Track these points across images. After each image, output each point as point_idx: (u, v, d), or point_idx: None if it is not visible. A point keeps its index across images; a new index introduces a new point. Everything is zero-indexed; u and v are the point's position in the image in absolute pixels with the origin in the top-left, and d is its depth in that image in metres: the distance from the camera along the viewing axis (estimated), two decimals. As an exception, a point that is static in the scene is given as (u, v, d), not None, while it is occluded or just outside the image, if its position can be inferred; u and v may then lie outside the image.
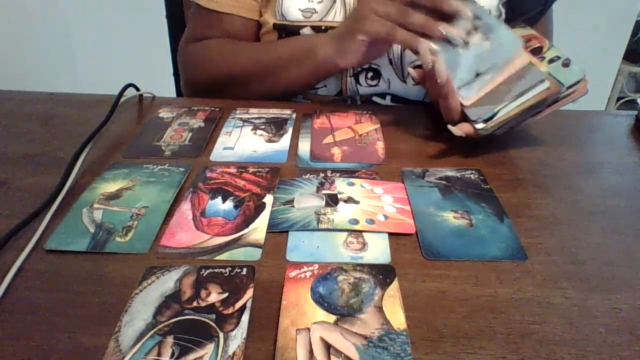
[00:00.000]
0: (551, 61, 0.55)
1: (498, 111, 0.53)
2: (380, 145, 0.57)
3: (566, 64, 0.54)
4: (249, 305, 0.35)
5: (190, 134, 0.59)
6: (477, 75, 0.56)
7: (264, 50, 0.69)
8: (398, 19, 0.57)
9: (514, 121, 0.54)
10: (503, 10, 0.70)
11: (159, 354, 0.31)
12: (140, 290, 0.36)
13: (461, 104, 0.55)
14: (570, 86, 0.54)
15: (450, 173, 0.52)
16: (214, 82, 0.71)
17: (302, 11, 0.67)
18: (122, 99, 0.63)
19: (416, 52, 0.56)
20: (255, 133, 0.60)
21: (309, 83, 0.70)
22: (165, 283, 0.37)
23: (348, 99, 0.72)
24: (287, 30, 0.69)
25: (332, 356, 0.31)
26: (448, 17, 0.56)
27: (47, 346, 0.32)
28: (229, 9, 0.71)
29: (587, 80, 0.54)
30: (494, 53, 0.56)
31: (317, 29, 0.68)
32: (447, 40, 0.55)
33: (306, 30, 0.68)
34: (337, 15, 0.68)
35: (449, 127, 0.55)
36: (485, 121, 0.53)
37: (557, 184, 0.52)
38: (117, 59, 1.89)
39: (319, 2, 0.67)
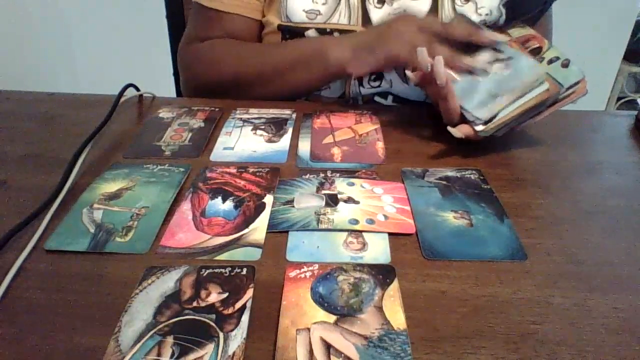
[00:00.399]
0: (550, 62, 0.55)
1: (498, 113, 0.53)
2: (380, 145, 0.57)
3: (565, 65, 0.54)
4: (249, 305, 0.35)
5: (190, 134, 0.59)
6: (493, 97, 0.55)
7: (272, 52, 0.69)
8: (430, 44, 0.57)
9: (513, 123, 0.54)
10: (503, 11, 0.70)
11: (159, 354, 0.31)
12: (140, 290, 0.36)
13: (460, 106, 0.55)
14: (570, 87, 0.54)
15: (450, 173, 0.52)
16: (217, 83, 0.71)
17: (306, 12, 0.67)
18: (122, 99, 0.63)
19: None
20: (255, 133, 0.60)
21: (316, 86, 0.70)
22: (165, 283, 0.37)
23: (350, 100, 0.72)
24: (292, 32, 0.69)
25: (332, 356, 0.31)
26: (470, 47, 0.57)
27: (47, 346, 0.32)
28: (232, 9, 0.71)
29: (586, 80, 0.54)
30: (512, 79, 0.56)
31: (322, 31, 0.68)
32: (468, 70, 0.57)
33: (311, 33, 0.68)
34: (341, 17, 0.67)
35: (449, 128, 0.55)
36: (485, 123, 0.53)
37: (557, 184, 0.52)
38: (117, 59, 1.89)
39: (323, 4, 0.67)
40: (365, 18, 0.68)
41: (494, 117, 0.53)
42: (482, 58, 0.57)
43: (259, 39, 0.74)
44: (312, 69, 0.65)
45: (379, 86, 0.71)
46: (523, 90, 0.54)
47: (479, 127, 0.53)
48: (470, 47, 0.58)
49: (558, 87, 0.53)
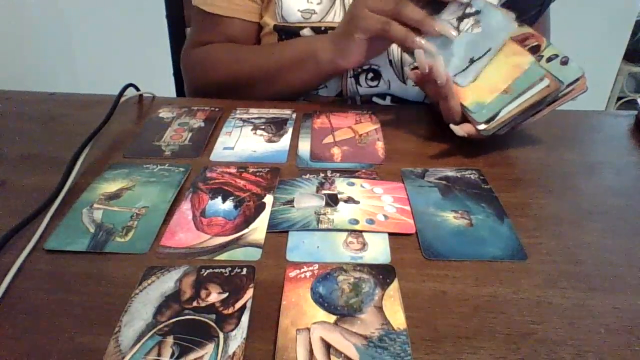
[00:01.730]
0: (549, 59, 0.55)
1: (500, 111, 0.53)
2: (380, 145, 0.57)
3: (564, 62, 0.54)
4: (249, 305, 0.35)
5: (190, 134, 0.59)
6: (472, 61, 0.56)
7: (266, 54, 0.69)
8: (392, 14, 0.56)
9: (515, 121, 0.54)
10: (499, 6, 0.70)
11: (159, 354, 0.31)
12: (140, 290, 0.36)
13: (462, 105, 0.55)
14: (570, 84, 0.54)
15: (450, 173, 0.52)
16: (218, 87, 0.72)
17: (301, 12, 0.67)
18: (122, 99, 0.63)
19: (411, 53, 0.56)
20: (255, 133, 0.60)
21: (313, 85, 0.70)
22: (165, 283, 0.37)
23: (348, 99, 0.72)
24: (287, 32, 0.69)
25: (332, 356, 0.31)
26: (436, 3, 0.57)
27: (47, 346, 0.32)
28: (231, 13, 0.71)
29: (586, 77, 0.54)
30: (486, 38, 0.56)
31: (316, 30, 0.68)
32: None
33: (306, 31, 0.68)
34: (336, 16, 0.68)
35: (451, 126, 0.55)
36: (487, 122, 0.53)
37: (557, 184, 0.52)
38: (117, 59, 1.89)
39: (318, 4, 0.67)
40: None
41: (496, 115, 0.53)
42: (449, 13, 0.57)
43: (258, 41, 0.75)
44: (306, 68, 0.66)
45: (376, 86, 0.71)
46: (496, 49, 0.56)
47: (482, 126, 0.53)
48: (438, 5, 0.58)
49: (558, 84, 0.53)
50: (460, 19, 0.57)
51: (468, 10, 0.57)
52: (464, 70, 0.56)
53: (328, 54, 0.63)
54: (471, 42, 0.56)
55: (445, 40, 0.56)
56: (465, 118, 0.55)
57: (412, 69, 0.59)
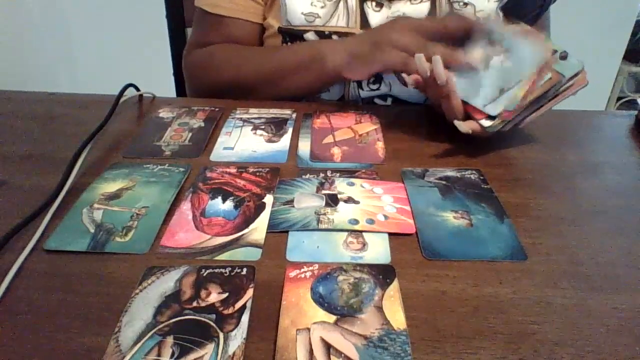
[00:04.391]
0: None
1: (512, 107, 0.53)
2: (380, 145, 0.57)
3: (564, 57, 0.54)
4: (249, 305, 0.35)
5: (190, 134, 0.59)
6: (502, 91, 0.55)
7: (270, 57, 0.69)
8: (417, 52, 0.56)
9: (519, 118, 0.54)
10: (501, 14, 0.70)
11: (159, 354, 0.31)
12: (140, 290, 0.36)
13: (467, 105, 0.55)
14: (570, 78, 0.54)
15: (450, 173, 0.52)
16: (219, 89, 0.71)
17: (304, 15, 0.67)
18: (122, 99, 0.63)
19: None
20: (255, 133, 0.60)
21: (316, 89, 0.70)
22: (165, 283, 0.37)
23: (350, 102, 0.72)
24: (292, 35, 0.69)
25: (332, 356, 0.31)
26: (464, 42, 0.57)
27: (47, 346, 0.32)
28: (234, 13, 0.71)
29: (586, 71, 0.54)
30: (515, 70, 0.55)
31: (320, 34, 0.68)
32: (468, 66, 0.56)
33: (310, 35, 0.68)
34: (339, 20, 0.68)
35: (456, 122, 0.54)
36: (492, 118, 0.53)
37: (557, 184, 0.52)
38: (117, 59, 1.89)
39: (322, 7, 0.67)
40: (364, 21, 0.68)
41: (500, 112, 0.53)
42: (479, 52, 0.57)
43: (260, 42, 0.75)
44: (310, 73, 0.66)
45: (378, 89, 0.71)
46: (526, 78, 0.54)
47: (487, 123, 0.53)
48: (466, 43, 0.58)
49: (560, 76, 0.53)
50: (489, 57, 0.57)
51: (498, 49, 0.57)
52: (494, 100, 0.54)
53: (336, 63, 0.63)
54: (501, 74, 0.56)
55: (474, 76, 0.56)
56: (468, 117, 0.55)
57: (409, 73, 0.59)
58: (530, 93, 0.53)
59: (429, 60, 0.54)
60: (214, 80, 0.72)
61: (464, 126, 0.54)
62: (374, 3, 0.68)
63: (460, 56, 0.56)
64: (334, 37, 0.67)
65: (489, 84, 0.55)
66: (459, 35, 0.58)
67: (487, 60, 0.56)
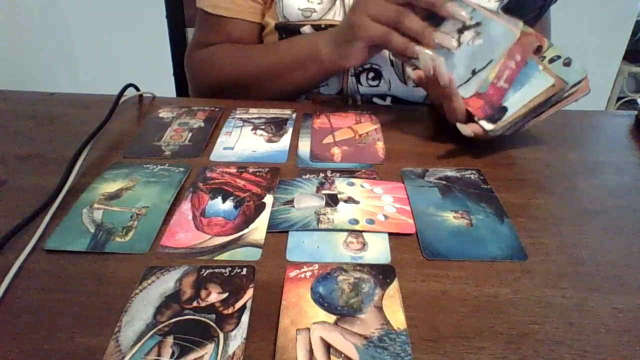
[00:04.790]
0: (551, 60, 0.55)
1: (506, 111, 0.53)
2: (380, 145, 0.57)
3: (567, 63, 0.54)
4: (249, 305, 0.35)
5: (190, 134, 0.59)
6: (474, 72, 0.55)
7: (268, 54, 0.69)
8: (393, 24, 0.56)
9: (521, 122, 0.54)
10: (502, 14, 0.70)
11: (159, 354, 0.31)
12: (140, 290, 0.36)
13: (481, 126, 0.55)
14: (573, 85, 0.54)
15: (450, 173, 0.52)
16: (221, 87, 0.72)
17: (301, 10, 0.68)
18: (122, 99, 0.63)
19: (408, 63, 0.56)
20: (255, 133, 0.60)
21: (315, 83, 0.70)
22: (165, 283, 0.37)
23: (349, 98, 0.72)
24: (288, 30, 0.69)
25: (332, 356, 0.31)
26: (437, 14, 0.56)
27: (47, 346, 0.32)
28: (234, 14, 0.72)
29: (589, 79, 0.54)
30: (488, 49, 0.55)
31: (317, 27, 0.68)
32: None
33: (306, 29, 0.68)
34: (336, 15, 0.68)
35: (459, 125, 0.54)
36: (494, 122, 0.53)
37: (557, 184, 0.52)
38: (117, 59, 1.89)
39: (319, 3, 0.67)
40: None
41: (502, 115, 0.53)
42: (450, 25, 0.56)
43: (261, 41, 0.75)
44: (307, 67, 0.66)
45: (377, 86, 0.71)
46: (498, 59, 0.54)
47: (489, 127, 0.53)
48: (435, 15, 0.57)
49: (563, 83, 0.53)
50: (461, 32, 0.56)
51: (468, 23, 0.56)
52: (466, 82, 0.55)
53: (329, 54, 0.63)
54: (473, 53, 0.56)
55: (446, 53, 0.56)
56: (469, 119, 0.55)
57: (414, 68, 0.59)
58: (503, 88, 0.53)
59: (403, 30, 0.55)
60: (216, 79, 0.72)
61: (467, 129, 0.54)
62: None
63: (432, 34, 0.55)
64: (329, 29, 0.67)
65: (460, 64, 0.56)
66: (428, 8, 0.57)
67: (456, 37, 0.56)
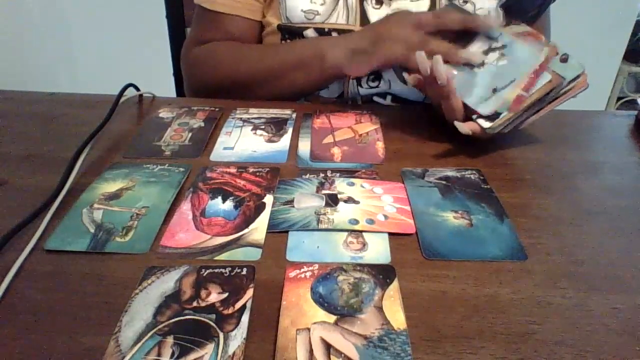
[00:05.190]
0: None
1: (502, 109, 0.53)
2: (380, 145, 0.57)
3: (564, 59, 0.55)
4: (249, 305, 0.35)
5: (190, 134, 0.59)
6: (495, 91, 0.55)
7: (270, 54, 0.69)
8: (418, 47, 0.56)
9: (519, 119, 0.54)
10: (501, 12, 0.70)
11: (159, 354, 0.31)
12: (140, 290, 0.36)
13: (466, 106, 0.55)
14: (571, 80, 0.54)
15: (450, 173, 0.52)
16: (218, 86, 0.71)
17: (304, 12, 0.67)
18: (122, 99, 0.63)
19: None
20: (255, 133, 0.60)
21: (315, 87, 0.70)
22: (165, 283, 0.37)
23: (349, 100, 0.72)
24: (291, 32, 0.69)
25: (332, 356, 0.31)
26: (462, 36, 0.57)
27: (47, 346, 0.32)
28: (233, 10, 0.71)
29: (586, 74, 0.54)
30: (511, 69, 0.55)
31: (320, 31, 0.68)
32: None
33: (310, 32, 0.68)
34: (339, 18, 0.68)
35: (456, 123, 0.54)
36: (492, 119, 0.53)
37: (557, 184, 0.52)
38: (117, 59, 1.89)
39: (322, 4, 0.67)
40: (364, 18, 0.68)
41: (500, 113, 0.53)
42: (476, 48, 0.57)
43: (259, 40, 0.75)
44: (310, 71, 0.65)
45: (377, 86, 0.71)
46: (520, 79, 0.54)
47: (487, 124, 0.53)
48: (463, 37, 0.58)
49: (560, 78, 0.53)
50: (486, 53, 0.57)
51: (494, 45, 0.57)
52: (486, 100, 0.54)
53: (337, 60, 0.63)
54: (496, 73, 0.56)
55: (469, 73, 0.56)
56: (467, 118, 0.55)
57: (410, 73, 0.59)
58: (523, 97, 0.53)
59: (430, 57, 0.54)
60: (213, 78, 0.72)
61: (464, 127, 0.54)
62: (373, 0, 0.68)
63: (459, 53, 0.57)
64: (334, 34, 0.67)
65: (482, 83, 0.56)
66: (457, 29, 0.59)
67: (482, 57, 0.56)
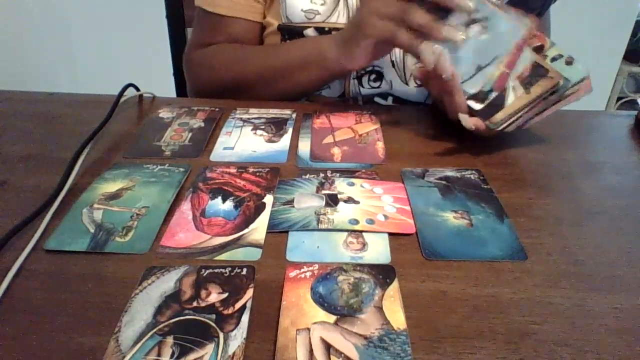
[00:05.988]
0: (553, 59, 0.55)
1: (490, 88, 0.53)
2: (380, 145, 0.57)
3: (569, 62, 0.54)
4: (249, 305, 0.35)
5: (190, 134, 0.59)
6: (479, 68, 0.55)
7: (271, 55, 0.69)
8: (399, 19, 0.56)
9: (523, 118, 0.54)
10: (509, 8, 0.70)
11: (159, 354, 0.31)
12: (140, 290, 0.36)
13: (469, 106, 0.55)
14: (576, 83, 0.54)
15: (450, 173, 0.52)
16: (221, 88, 0.71)
17: (304, 12, 0.67)
18: (122, 99, 0.63)
19: (418, 56, 0.56)
20: (255, 133, 0.60)
21: (318, 86, 0.70)
22: (165, 283, 0.37)
23: (350, 100, 0.72)
24: (291, 32, 0.69)
25: (332, 356, 0.31)
26: (444, 8, 0.56)
27: (47, 346, 0.32)
28: (234, 12, 0.71)
29: (591, 78, 0.54)
30: (494, 45, 0.55)
31: (320, 30, 0.68)
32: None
33: (310, 32, 0.68)
34: (340, 17, 0.67)
35: (460, 115, 0.54)
36: (482, 100, 0.53)
37: (557, 184, 0.52)
38: (117, 59, 1.89)
39: (322, 4, 0.67)
40: None
41: (487, 92, 0.53)
42: (456, 19, 0.56)
43: (261, 41, 0.75)
44: (312, 70, 0.65)
45: (379, 87, 0.71)
46: (504, 55, 0.54)
47: (477, 106, 0.53)
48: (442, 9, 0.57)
49: (560, 77, 0.53)
50: (467, 25, 0.56)
51: (475, 16, 0.56)
52: (471, 77, 0.55)
53: (334, 55, 0.63)
54: (479, 49, 0.55)
55: (452, 48, 0.55)
56: (470, 115, 0.55)
57: (420, 66, 0.58)
58: (507, 73, 0.53)
59: (409, 26, 0.54)
60: (216, 81, 0.72)
61: (469, 122, 0.54)
62: None
63: (439, 27, 0.55)
64: (334, 33, 0.67)
65: (465, 59, 0.55)
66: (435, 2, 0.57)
67: (463, 30, 0.55)
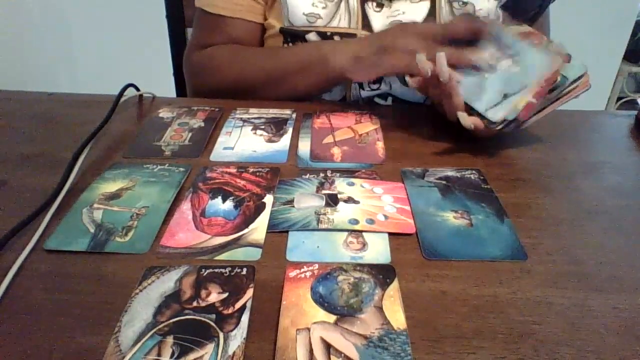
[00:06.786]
0: None
1: (512, 116, 0.53)
2: (380, 145, 0.57)
3: (567, 60, 0.54)
4: (249, 305, 0.35)
5: (190, 134, 0.59)
6: (506, 96, 0.54)
7: (273, 58, 0.69)
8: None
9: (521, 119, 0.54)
10: (501, 13, 0.70)
11: (159, 354, 0.31)
12: (140, 290, 0.36)
13: (468, 106, 0.55)
14: (574, 81, 0.54)
15: (450, 173, 0.52)
16: (221, 90, 0.71)
17: (306, 15, 0.67)
18: (122, 99, 0.63)
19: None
20: (255, 133, 0.60)
21: (317, 91, 0.70)
22: (165, 283, 0.37)
23: (351, 102, 0.72)
24: (294, 35, 0.69)
25: (332, 356, 0.31)
26: (473, 46, 0.56)
27: (47, 346, 0.32)
28: (234, 13, 0.71)
29: (589, 74, 0.54)
30: (522, 76, 0.54)
31: (322, 35, 0.68)
32: (473, 66, 0.56)
33: (312, 36, 0.68)
34: (341, 21, 0.67)
35: (459, 114, 0.54)
36: (492, 124, 0.53)
37: (557, 184, 0.52)
38: (117, 59, 1.89)
39: (323, 8, 0.67)
40: (365, 21, 0.68)
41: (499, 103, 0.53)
42: (487, 54, 0.56)
43: (261, 42, 0.74)
44: (313, 74, 0.65)
45: (378, 88, 0.71)
46: (532, 85, 0.53)
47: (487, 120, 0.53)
48: (474, 46, 0.58)
49: (560, 76, 0.53)
50: (498, 60, 0.56)
51: (506, 52, 0.56)
52: (495, 105, 0.54)
53: (340, 65, 0.63)
54: (507, 79, 0.55)
55: (479, 78, 0.55)
56: (471, 115, 0.55)
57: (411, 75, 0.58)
58: (533, 104, 0.53)
59: (434, 61, 0.54)
60: (216, 82, 0.72)
61: (468, 120, 0.54)
62: (374, 3, 0.68)
63: (467, 55, 0.56)
64: (336, 37, 0.67)
65: (493, 88, 0.55)
66: (467, 38, 0.58)
67: (493, 62, 0.55)
